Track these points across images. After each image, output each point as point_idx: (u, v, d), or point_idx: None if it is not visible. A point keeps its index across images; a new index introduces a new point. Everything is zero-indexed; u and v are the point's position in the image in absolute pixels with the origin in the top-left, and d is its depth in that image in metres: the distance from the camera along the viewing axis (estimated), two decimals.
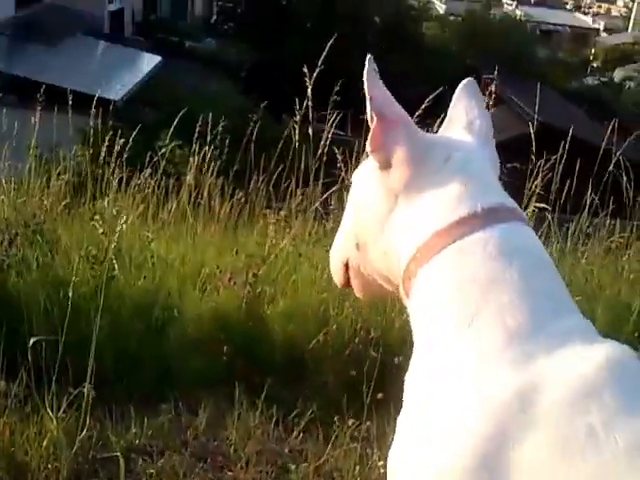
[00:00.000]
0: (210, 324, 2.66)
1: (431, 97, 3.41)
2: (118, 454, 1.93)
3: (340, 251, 1.39)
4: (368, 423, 2.33)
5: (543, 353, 1.02)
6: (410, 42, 20.55)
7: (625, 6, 51.57)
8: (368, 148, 1.20)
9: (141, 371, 2.41)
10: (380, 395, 2.45)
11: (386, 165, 1.20)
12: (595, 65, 36.70)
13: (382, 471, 2.15)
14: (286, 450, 2.23)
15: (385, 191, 1.23)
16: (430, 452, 1.04)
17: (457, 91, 1.33)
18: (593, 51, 39.14)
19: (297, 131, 3.37)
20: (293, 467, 2.11)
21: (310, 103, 3.28)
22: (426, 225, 1.17)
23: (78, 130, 4.51)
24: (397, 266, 1.23)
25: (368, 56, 1.23)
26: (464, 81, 1.34)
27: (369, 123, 1.19)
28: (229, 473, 2.08)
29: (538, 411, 0.98)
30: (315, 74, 3.24)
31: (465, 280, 1.11)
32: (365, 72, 1.22)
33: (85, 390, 2.02)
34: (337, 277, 1.43)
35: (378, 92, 1.21)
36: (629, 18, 44.73)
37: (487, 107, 1.60)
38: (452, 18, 31.25)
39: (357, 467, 2.12)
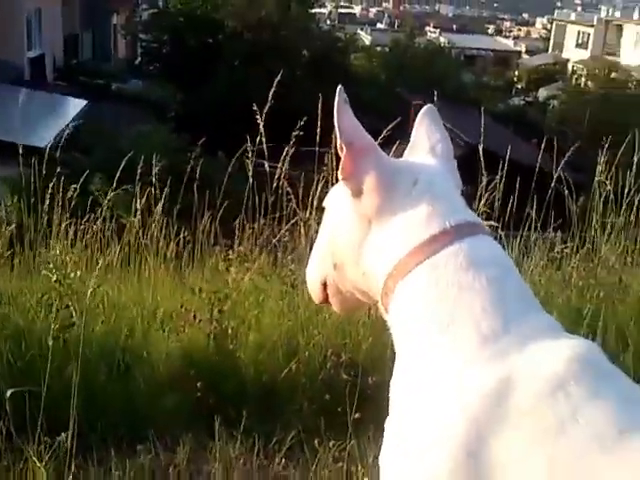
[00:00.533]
0: (179, 362, 2.71)
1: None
2: None
3: (318, 271, 1.51)
4: (349, 442, 2.42)
5: (515, 351, 1.14)
6: (339, 73, 21.04)
7: (544, 28, 54.13)
8: (340, 176, 1.33)
9: (114, 415, 2.44)
10: (357, 415, 2.56)
11: (358, 193, 1.33)
12: (519, 86, 38.28)
13: None
14: (270, 478, 2.29)
15: (358, 217, 1.35)
16: (427, 430, 1.16)
17: (419, 117, 1.47)
18: (517, 73, 40.88)
19: (251, 167, 3.49)
20: None
21: (264, 139, 3.41)
22: (400, 245, 1.30)
23: (3, 180, 4.47)
24: (376, 284, 1.36)
25: (339, 87, 1.35)
26: (425, 108, 1.49)
27: (339, 152, 1.32)
28: None
29: (512, 405, 1.10)
30: (264, 109, 3.37)
31: (439, 292, 1.24)
32: (336, 103, 1.35)
33: (67, 438, 2.05)
34: (315, 295, 1.55)
35: (347, 122, 1.34)
36: (549, 39, 46.94)
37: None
38: (379, 49, 32.15)
39: None
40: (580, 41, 43.87)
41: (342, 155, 1.30)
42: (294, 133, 3.58)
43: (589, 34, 42.95)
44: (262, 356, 2.82)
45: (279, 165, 3.62)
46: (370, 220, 1.34)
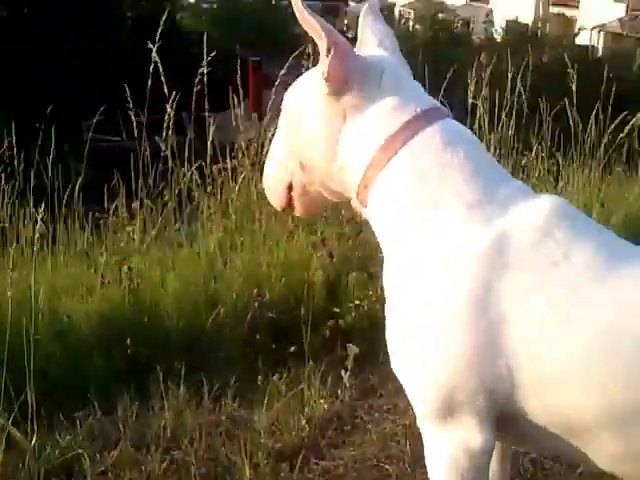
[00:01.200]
0: (99, 322, 2.67)
1: None
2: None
3: (281, 175, 1.58)
4: (291, 373, 2.53)
5: (501, 212, 1.32)
6: (166, 33, 20.41)
7: None
8: (324, 76, 1.41)
9: (47, 383, 2.38)
10: (293, 348, 2.66)
11: (338, 92, 1.42)
12: (350, 35, 39.17)
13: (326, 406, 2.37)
14: (223, 417, 2.35)
15: (333, 113, 1.44)
16: (438, 287, 1.31)
17: (362, 16, 1.57)
18: (346, 21, 41.74)
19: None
20: (237, 431, 2.26)
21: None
22: (377, 135, 1.41)
23: None
24: (352, 178, 1.46)
25: None
26: (366, 6, 1.58)
27: (325, 54, 1.38)
28: (178, 452, 2.17)
29: (510, 254, 1.28)
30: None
31: (422, 173, 1.38)
32: (297, 5, 1.41)
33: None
34: (278, 200, 1.62)
35: (323, 23, 1.41)
36: None
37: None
38: (205, 6, 31.59)
39: (305, 408, 2.32)
40: None
41: (328, 57, 1.38)
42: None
43: None
44: (184, 305, 2.83)
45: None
46: (345, 115, 1.42)
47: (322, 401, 2.38)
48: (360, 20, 1.58)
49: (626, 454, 1.30)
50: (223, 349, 2.73)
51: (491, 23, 31.78)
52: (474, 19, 35.35)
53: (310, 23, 1.41)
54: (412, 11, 37.68)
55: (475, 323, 1.29)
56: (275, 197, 1.63)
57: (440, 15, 34.21)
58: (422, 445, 2.12)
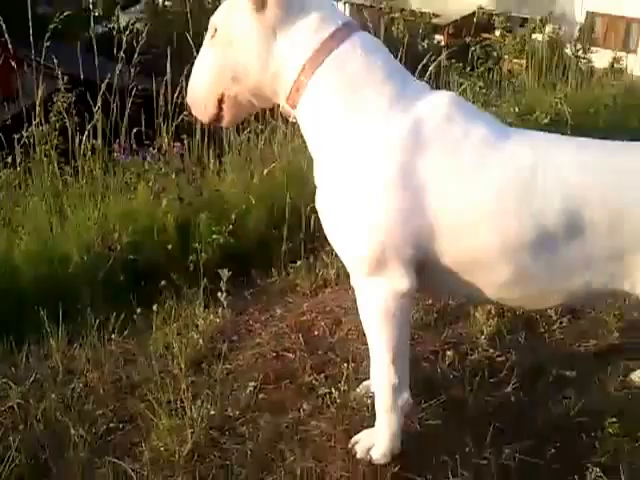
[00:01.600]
0: None
1: None
2: None
3: (213, 88, 1.80)
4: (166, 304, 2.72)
5: (414, 104, 1.68)
6: None
7: None
8: None
9: None
10: (163, 282, 2.82)
11: (262, 5, 1.66)
12: (97, 14, 37.63)
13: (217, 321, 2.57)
14: (114, 348, 2.48)
15: (263, 28, 1.69)
16: (371, 161, 1.63)
17: None
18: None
19: None
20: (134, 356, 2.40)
21: None
22: (307, 45, 1.70)
23: None
24: (284, 83, 1.72)
25: None
26: None
27: None
28: (85, 379, 2.27)
29: (425, 134, 1.64)
30: None
31: (349, 74, 1.69)
32: None
33: None
34: (208, 113, 1.84)
35: None
36: None
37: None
38: None
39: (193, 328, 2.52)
40: None
41: None
42: None
43: None
44: (37, 262, 2.87)
45: None
46: (274, 29, 1.68)
47: (212, 316, 2.58)
48: None
49: (511, 280, 1.71)
50: (94, 293, 2.81)
51: None
52: None
53: None
54: None
55: (402, 187, 1.62)
56: (205, 110, 1.83)
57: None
58: (314, 332, 2.45)
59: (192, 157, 4.02)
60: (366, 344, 2.27)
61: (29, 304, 2.70)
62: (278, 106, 1.88)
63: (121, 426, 2.04)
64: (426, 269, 1.70)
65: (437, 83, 5.03)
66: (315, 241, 3.36)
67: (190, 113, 1.94)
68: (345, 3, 29.04)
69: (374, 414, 1.90)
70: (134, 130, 3.93)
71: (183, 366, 2.26)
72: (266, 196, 3.56)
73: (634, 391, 2.23)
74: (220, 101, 1.81)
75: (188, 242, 3.20)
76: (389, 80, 1.69)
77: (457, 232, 1.65)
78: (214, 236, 3.18)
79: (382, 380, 1.80)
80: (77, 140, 3.68)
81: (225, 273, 2.79)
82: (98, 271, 2.93)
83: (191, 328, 2.53)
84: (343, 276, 3.06)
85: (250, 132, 4.28)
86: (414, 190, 1.62)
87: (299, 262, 3.20)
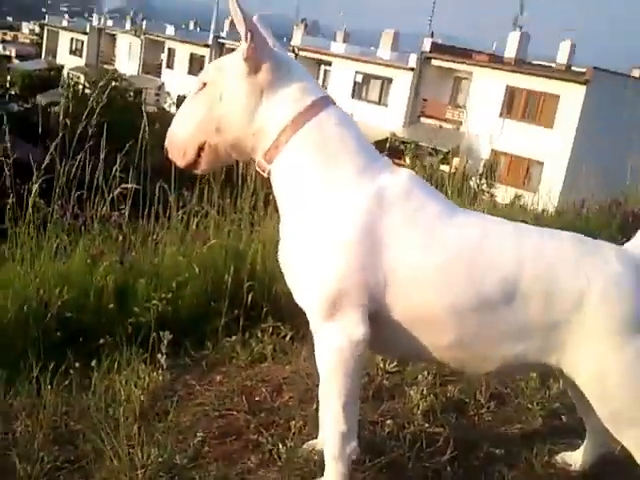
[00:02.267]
0: None
1: None
2: None
3: (196, 136, 1.97)
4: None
5: (380, 174, 1.90)
6: None
7: (33, 33, 53.73)
8: (244, 56, 1.86)
9: None
10: (102, 340, 2.84)
11: (256, 70, 1.87)
12: (14, 92, 37.49)
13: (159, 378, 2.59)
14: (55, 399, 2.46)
15: (252, 88, 1.89)
16: (336, 220, 1.84)
17: (256, 21, 2.03)
18: (9, 78, 39.91)
19: None
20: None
21: None
22: (290, 109, 1.91)
23: None
24: (264, 140, 1.90)
25: None
26: (255, 16, 2.05)
27: (244, 40, 1.83)
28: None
29: (387, 201, 1.85)
30: None
31: (325, 140, 1.91)
32: (232, 4, 1.83)
33: None
34: (187, 158, 2.01)
35: (247, 16, 1.86)
36: (41, 44, 46.91)
37: None
38: None
39: (137, 382, 2.53)
40: (74, 48, 45.07)
41: (247, 42, 1.83)
42: None
43: (83, 41, 44.44)
44: None
45: None
46: (262, 91, 1.89)
47: (154, 374, 2.62)
48: (255, 22, 2.05)
49: (453, 341, 1.89)
50: (28, 346, 2.80)
51: (167, 95, 33.12)
52: (146, 90, 36.48)
53: (235, 11, 1.85)
54: (82, 75, 37.57)
55: (361, 244, 1.82)
56: (183, 155, 1.99)
57: (114, 83, 34.66)
58: (255, 398, 2.54)
59: (130, 227, 4.11)
60: (308, 411, 2.40)
61: None
62: (252, 161, 2.06)
63: (66, 466, 2.03)
64: (379, 321, 1.87)
65: None
66: (251, 319, 3.47)
67: (166, 157, 2.08)
68: None
69: (322, 468, 1.98)
70: (76, 194, 3.98)
71: (129, 416, 2.28)
72: (206, 270, 3.67)
73: (559, 471, 2.41)
74: (200, 149, 1.98)
75: (126, 305, 3.25)
76: (360, 152, 1.92)
77: (406, 290, 1.84)
78: (153, 302, 3.24)
79: (331, 426, 1.91)
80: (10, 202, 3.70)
81: (167, 335, 2.85)
82: (35, 325, 2.93)
83: (132, 384, 2.55)
84: (279, 351, 3.17)
85: (185, 213, 4.42)
86: (372, 248, 1.82)
87: (234, 337, 3.29)
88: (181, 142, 1.99)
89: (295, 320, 3.44)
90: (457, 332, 1.88)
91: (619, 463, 2.34)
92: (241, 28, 1.85)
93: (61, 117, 4.45)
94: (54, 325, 2.98)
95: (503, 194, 9.72)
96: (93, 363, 2.71)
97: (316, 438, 2.24)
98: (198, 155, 1.99)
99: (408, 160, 9.34)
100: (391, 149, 9.87)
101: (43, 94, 35.48)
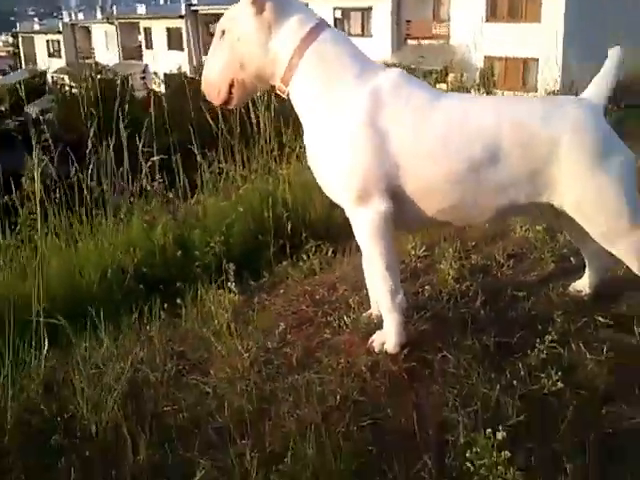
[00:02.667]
0: None
1: None
2: None
3: (225, 75, 2.52)
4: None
5: (374, 77, 2.42)
6: None
7: (8, 44, 53.96)
8: (251, 0, 2.38)
9: None
10: (179, 284, 3.42)
11: (261, 11, 2.39)
12: (3, 108, 37.90)
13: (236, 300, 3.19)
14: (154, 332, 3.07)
15: (261, 26, 2.41)
16: (346, 119, 2.41)
17: None
18: None
19: None
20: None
21: None
22: (295, 36, 2.43)
23: None
24: (280, 66, 2.43)
25: None
26: None
27: None
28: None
29: (382, 98, 2.37)
30: None
31: (328, 58, 2.44)
32: None
33: None
34: (221, 96, 2.56)
35: None
36: (19, 54, 47.21)
37: None
38: None
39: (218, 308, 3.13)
40: (52, 50, 45.26)
41: None
42: None
43: (59, 41, 44.59)
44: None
45: None
46: (270, 27, 2.41)
47: (231, 295, 3.20)
48: None
49: (456, 201, 2.44)
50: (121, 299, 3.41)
51: (155, 75, 33.30)
52: (132, 76, 36.69)
53: None
54: (66, 76, 37.77)
55: (372, 136, 2.35)
56: (218, 93, 2.54)
57: (99, 75, 34.77)
58: (316, 296, 3.11)
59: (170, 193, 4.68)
60: (360, 294, 2.97)
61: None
62: (273, 87, 2.58)
63: (185, 368, 2.64)
64: (397, 199, 2.41)
65: None
66: (294, 246, 4.05)
67: (204, 99, 2.62)
68: None
69: (380, 326, 2.57)
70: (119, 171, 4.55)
71: (222, 326, 2.88)
72: (246, 211, 4.24)
73: (572, 297, 2.97)
74: (230, 86, 2.52)
75: (188, 253, 3.84)
76: (355, 61, 2.45)
77: (413, 166, 2.38)
78: (210, 245, 3.83)
79: (381, 285, 2.48)
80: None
81: (231, 266, 3.43)
82: (118, 286, 3.53)
83: (215, 306, 3.14)
84: (325, 265, 3.74)
85: (212, 172, 4.98)
86: (377, 138, 2.35)
87: (284, 262, 3.86)
88: (214, 82, 2.54)
89: (333, 238, 4.04)
90: (458, 194, 2.43)
91: (622, 280, 2.91)
92: None
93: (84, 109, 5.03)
94: (135, 282, 3.57)
95: None
96: (178, 301, 3.30)
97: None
98: (230, 92, 2.53)
99: None
100: None
101: (33, 103, 35.79)
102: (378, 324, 2.64)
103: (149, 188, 4.64)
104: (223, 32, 2.49)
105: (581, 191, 2.41)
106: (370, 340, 2.56)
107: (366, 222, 2.41)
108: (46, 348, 2.73)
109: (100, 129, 4.75)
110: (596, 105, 2.47)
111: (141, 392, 2.47)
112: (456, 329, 2.66)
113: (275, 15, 2.43)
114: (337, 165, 2.40)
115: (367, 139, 2.35)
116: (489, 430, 1.92)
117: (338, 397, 2.29)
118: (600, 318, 2.73)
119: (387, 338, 2.51)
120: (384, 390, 2.35)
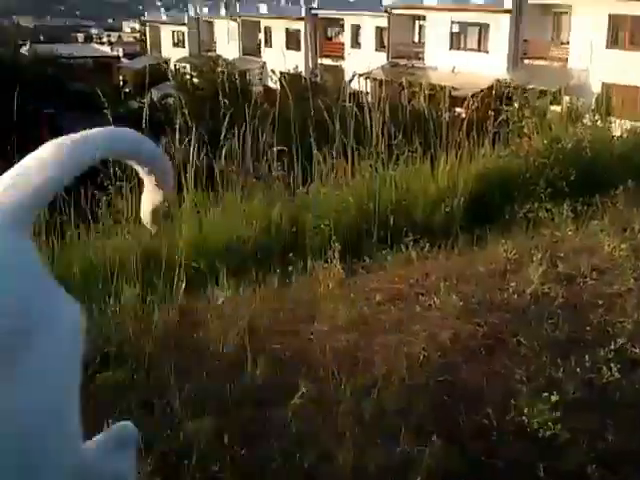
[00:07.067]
0: None
1: None
2: None
3: None
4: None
5: None
6: None
7: (134, 31, 56.69)
8: None
9: None
10: (292, 254, 3.90)
11: None
12: (128, 90, 39.94)
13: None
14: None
15: None
16: None
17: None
18: (121, 77, 42.53)
19: None
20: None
21: None
22: None
23: None
24: None
25: None
26: None
27: None
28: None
29: None
30: None
31: None
32: None
33: None
34: None
35: None
36: (145, 42, 49.55)
37: None
38: None
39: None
40: (176, 40, 47.29)
41: None
42: None
43: (184, 33, 46.55)
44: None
45: None
46: None
47: (337, 267, 3.65)
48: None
49: None
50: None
51: (272, 72, 34.36)
52: (250, 72, 37.99)
53: None
54: (188, 65, 39.38)
55: None
56: None
57: (219, 69, 36.11)
58: (410, 281, 3.52)
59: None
60: (450, 283, 3.34)
61: None
62: None
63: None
64: None
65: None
66: (395, 238, 4.47)
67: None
68: (367, 78, 31.03)
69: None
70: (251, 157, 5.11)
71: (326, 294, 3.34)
72: (354, 203, 4.70)
73: None
74: None
75: (300, 231, 4.34)
76: None
77: None
78: (321, 227, 4.30)
79: None
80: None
81: (337, 246, 3.88)
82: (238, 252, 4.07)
83: (324, 276, 3.60)
84: (422, 257, 4.13)
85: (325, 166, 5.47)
86: None
87: (384, 251, 4.28)
88: None
89: (431, 234, 4.44)
90: None
91: None
92: None
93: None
94: (253, 250, 4.09)
95: (621, 129, 9.59)
96: (290, 269, 3.78)
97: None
98: None
99: (516, 105, 9.72)
100: (497, 95, 10.37)
101: (156, 87, 37.52)
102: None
103: (273, 173, 5.19)
104: None
105: None
106: None
107: None
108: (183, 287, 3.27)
109: (230, 119, 5.33)
110: None
111: (258, 331, 2.95)
112: (534, 321, 3.01)
113: None
114: None
115: None
116: (545, 394, 2.29)
117: (421, 357, 2.69)
118: None
119: None
120: (461, 360, 2.73)
